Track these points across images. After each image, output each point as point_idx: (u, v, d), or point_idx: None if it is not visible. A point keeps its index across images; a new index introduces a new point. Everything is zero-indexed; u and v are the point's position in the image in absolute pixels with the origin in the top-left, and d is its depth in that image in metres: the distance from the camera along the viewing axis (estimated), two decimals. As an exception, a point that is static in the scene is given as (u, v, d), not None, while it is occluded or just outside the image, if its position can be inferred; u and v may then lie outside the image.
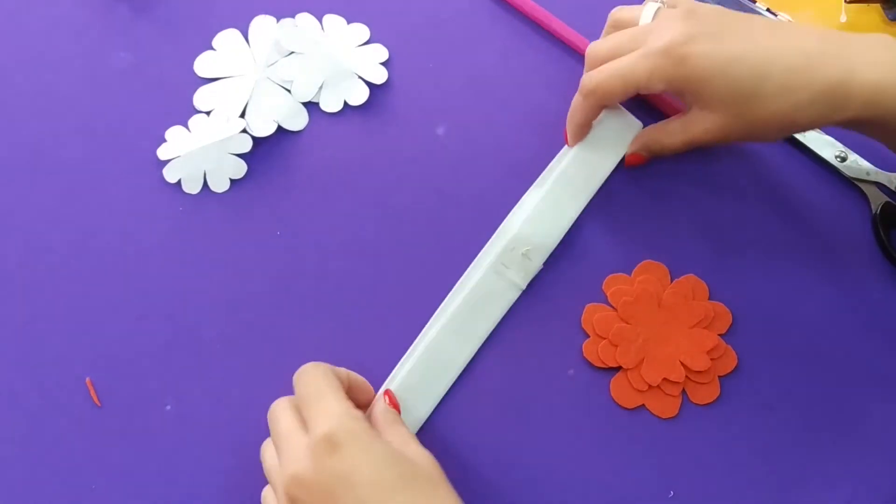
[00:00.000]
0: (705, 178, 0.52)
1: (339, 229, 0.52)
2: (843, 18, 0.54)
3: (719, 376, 0.49)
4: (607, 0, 0.55)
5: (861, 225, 0.51)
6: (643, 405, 0.48)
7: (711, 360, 0.48)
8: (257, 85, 0.54)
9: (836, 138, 0.52)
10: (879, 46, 0.42)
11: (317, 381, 0.43)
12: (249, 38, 0.56)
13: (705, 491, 0.47)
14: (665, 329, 0.49)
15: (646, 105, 0.53)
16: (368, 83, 0.54)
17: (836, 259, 0.51)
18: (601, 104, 0.48)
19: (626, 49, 0.45)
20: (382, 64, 0.55)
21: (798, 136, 0.52)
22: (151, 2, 0.57)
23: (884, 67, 0.41)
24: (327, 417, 0.40)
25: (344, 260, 0.51)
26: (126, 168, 0.53)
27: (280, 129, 0.54)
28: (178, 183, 0.53)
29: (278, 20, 0.56)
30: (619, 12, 0.49)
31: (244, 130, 0.53)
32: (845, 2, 0.54)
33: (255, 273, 0.51)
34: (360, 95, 0.54)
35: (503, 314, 0.49)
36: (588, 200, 0.50)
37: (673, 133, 0.48)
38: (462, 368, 0.48)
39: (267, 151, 0.54)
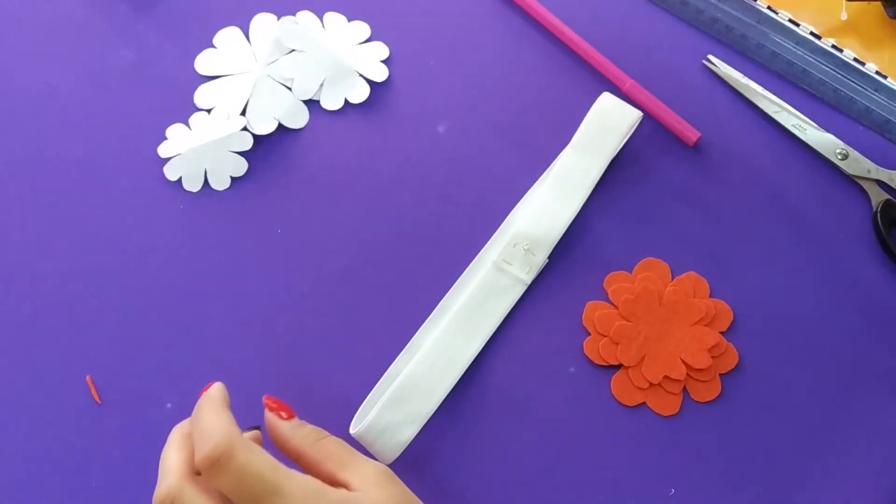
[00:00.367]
0: (706, 176, 0.52)
1: (340, 227, 0.52)
2: (844, 16, 0.54)
3: (720, 374, 0.49)
4: (607, 1, 0.55)
5: (862, 222, 0.51)
6: (644, 403, 0.48)
7: (712, 357, 0.48)
8: (258, 83, 0.54)
9: (837, 136, 0.52)
10: None
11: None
12: (250, 35, 0.56)
13: (706, 488, 0.47)
14: (666, 327, 0.49)
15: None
16: (369, 81, 0.54)
17: (837, 257, 0.51)
18: None
19: None
20: (383, 62, 0.55)
21: (798, 133, 0.52)
22: (152, 0, 0.57)
23: None
24: None
25: (345, 257, 0.51)
26: (127, 166, 0.53)
27: (281, 126, 0.54)
28: (179, 181, 0.53)
29: (279, 18, 0.56)
30: None
31: (245, 128, 0.53)
32: (846, 0, 0.54)
33: (255, 271, 0.51)
34: (360, 93, 0.54)
35: (508, 310, 0.49)
36: (589, 192, 0.50)
37: None
38: (468, 365, 0.48)
39: (268, 149, 0.54)
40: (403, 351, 0.49)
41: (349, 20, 0.56)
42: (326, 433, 0.41)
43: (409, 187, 0.53)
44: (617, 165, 0.52)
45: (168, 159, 0.53)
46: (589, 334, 0.49)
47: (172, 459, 0.39)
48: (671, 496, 0.47)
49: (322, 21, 0.56)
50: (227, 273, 0.51)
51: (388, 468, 0.40)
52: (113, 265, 0.52)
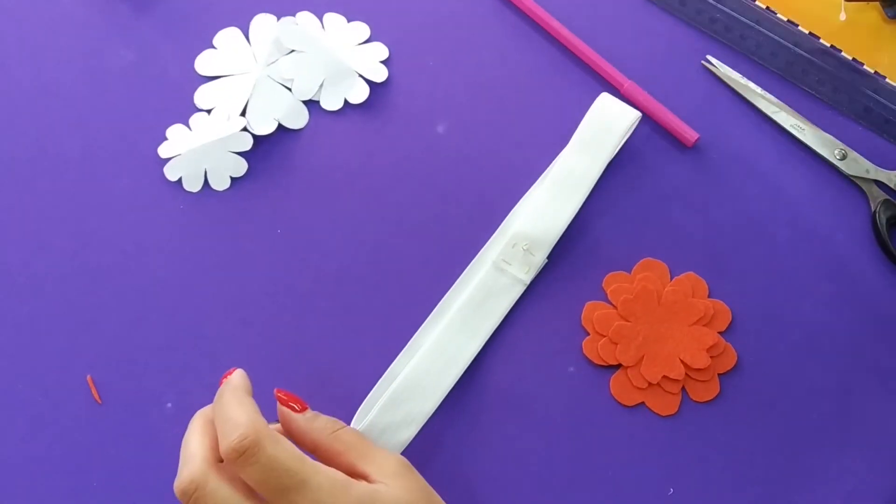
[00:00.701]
0: (705, 176, 0.52)
1: (340, 227, 0.52)
2: (843, 17, 0.55)
3: (719, 374, 0.49)
4: (606, 1, 0.55)
5: (860, 223, 0.51)
6: (643, 403, 0.49)
7: (711, 357, 0.48)
8: (258, 83, 0.54)
9: (836, 136, 0.52)
10: None
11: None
12: (250, 36, 0.56)
13: (705, 488, 0.47)
14: (665, 327, 0.49)
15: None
16: (369, 81, 0.54)
17: (836, 257, 0.51)
18: None
19: None
20: (383, 62, 0.55)
21: (797, 134, 0.52)
22: (152, 0, 0.57)
23: None
24: None
25: (344, 257, 0.51)
26: (127, 166, 0.53)
27: (280, 127, 0.54)
28: (179, 181, 0.53)
29: (279, 18, 0.56)
30: None
31: (245, 129, 0.53)
32: (845, 0, 0.54)
33: (255, 271, 0.51)
34: (360, 94, 0.54)
35: (508, 310, 0.50)
36: (588, 192, 0.50)
37: None
38: (467, 364, 0.48)
39: (267, 150, 0.54)
40: (403, 351, 0.49)
41: (349, 21, 0.56)
42: (341, 423, 0.41)
43: (408, 187, 0.53)
44: (616, 166, 0.52)
45: (168, 160, 0.53)
46: (588, 334, 0.50)
47: (195, 446, 0.38)
48: (670, 495, 0.47)
49: (322, 21, 0.56)
50: (227, 273, 0.51)
51: (405, 459, 0.40)
52: (113, 265, 0.52)
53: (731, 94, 0.53)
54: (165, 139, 0.54)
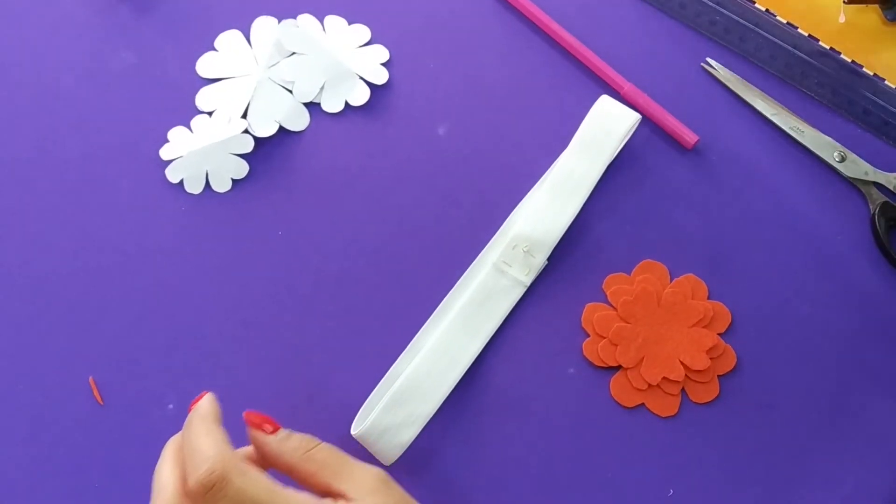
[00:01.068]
0: (704, 178, 0.52)
1: (341, 229, 0.52)
2: (842, 19, 0.55)
3: (718, 375, 0.49)
4: (606, 3, 0.55)
5: (860, 225, 0.51)
6: (643, 404, 0.49)
7: (711, 359, 0.49)
8: (259, 85, 0.54)
9: (835, 138, 0.52)
10: None
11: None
12: (251, 38, 0.56)
13: (705, 489, 0.48)
14: (665, 328, 0.49)
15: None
16: (369, 84, 0.55)
17: (835, 259, 0.51)
18: None
19: None
20: (383, 64, 0.55)
21: (796, 136, 0.52)
22: (153, 2, 0.57)
23: None
24: None
25: (345, 259, 0.52)
26: (128, 168, 0.54)
27: (281, 129, 0.54)
28: (181, 183, 0.53)
29: (280, 21, 0.56)
30: None
31: (246, 131, 0.53)
32: (844, 2, 0.54)
33: (256, 272, 0.51)
34: (361, 96, 0.54)
35: (508, 312, 0.50)
36: (588, 194, 0.50)
37: None
38: (468, 366, 0.49)
39: (268, 152, 0.54)
40: (404, 352, 0.49)
41: (349, 23, 0.56)
42: (316, 441, 0.40)
43: (409, 189, 0.53)
44: (616, 168, 0.52)
45: (170, 161, 0.53)
46: (588, 336, 0.50)
47: (167, 477, 0.38)
48: (670, 496, 0.48)
49: (322, 24, 0.56)
50: (228, 274, 0.52)
51: (384, 472, 0.39)
52: (114, 267, 0.52)
53: (731, 96, 0.54)
54: (167, 141, 0.54)
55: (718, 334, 0.49)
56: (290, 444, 0.40)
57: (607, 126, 0.51)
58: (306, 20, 0.56)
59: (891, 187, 0.51)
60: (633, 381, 0.49)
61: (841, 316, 0.50)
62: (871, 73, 0.53)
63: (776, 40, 0.54)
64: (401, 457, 0.47)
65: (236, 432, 0.49)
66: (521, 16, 0.56)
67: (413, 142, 0.54)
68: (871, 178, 0.52)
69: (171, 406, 0.49)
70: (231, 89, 0.54)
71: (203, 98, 0.55)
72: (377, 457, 0.47)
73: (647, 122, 0.53)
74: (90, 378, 0.50)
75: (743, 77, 0.54)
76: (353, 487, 0.38)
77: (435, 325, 0.50)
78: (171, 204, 0.53)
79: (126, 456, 0.49)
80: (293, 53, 0.55)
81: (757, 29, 0.54)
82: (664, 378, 0.48)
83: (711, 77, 0.54)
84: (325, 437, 0.48)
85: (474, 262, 0.51)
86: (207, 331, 0.51)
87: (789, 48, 0.54)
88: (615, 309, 0.50)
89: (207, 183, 0.53)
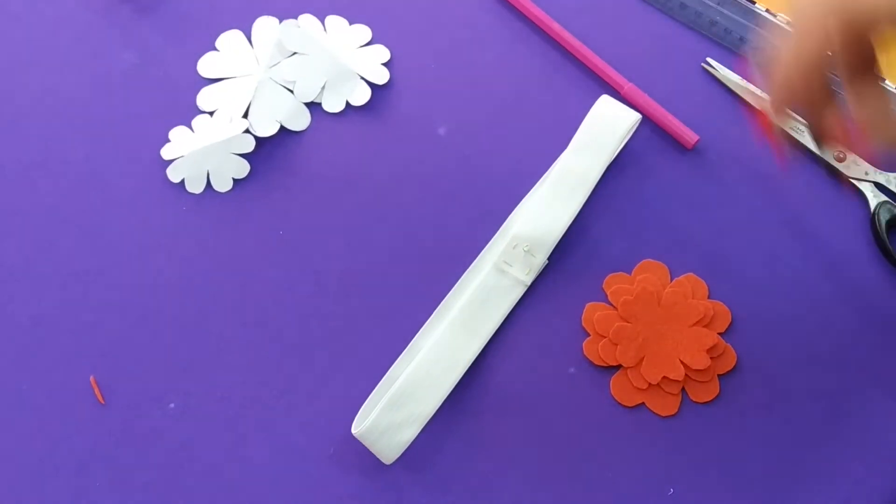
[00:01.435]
0: (704, 178, 0.52)
1: (342, 229, 0.52)
2: (842, 19, 0.55)
3: (719, 375, 0.49)
4: (606, 3, 0.55)
5: (859, 224, 0.51)
6: (643, 403, 0.49)
7: (711, 358, 0.49)
8: (260, 85, 0.54)
9: (834, 138, 0.52)
10: None
11: None
12: (252, 38, 0.56)
13: (705, 489, 0.48)
14: (665, 328, 0.49)
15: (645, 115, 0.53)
16: (370, 84, 0.55)
17: (835, 258, 0.51)
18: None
19: None
20: (384, 64, 0.55)
21: (796, 135, 0.52)
22: (155, 2, 0.57)
23: None
24: None
25: (346, 259, 0.52)
26: (129, 168, 0.54)
27: (283, 129, 0.54)
28: (182, 183, 0.53)
29: (281, 21, 0.56)
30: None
31: (247, 130, 0.53)
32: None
33: (257, 272, 0.52)
34: (362, 96, 0.54)
35: (509, 311, 0.50)
36: (588, 194, 0.50)
37: None
38: (468, 365, 0.49)
39: (270, 151, 0.54)
40: (404, 352, 0.49)
41: (350, 23, 0.56)
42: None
43: (409, 189, 0.53)
44: (616, 168, 0.53)
45: (171, 161, 0.53)
46: (588, 335, 0.50)
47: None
48: (670, 496, 0.48)
49: (323, 24, 0.56)
50: (229, 274, 0.52)
51: None
52: (115, 266, 0.52)
53: (731, 96, 0.54)
54: (168, 141, 0.54)
55: (718, 334, 0.49)
56: None
57: (607, 126, 0.51)
58: (307, 20, 0.56)
59: (890, 187, 0.51)
60: (634, 380, 0.49)
61: (841, 315, 0.50)
62: (871, 74, 0.54)
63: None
64: (401, 456, 0.47)
65: (241, 429, 0.50)
66: (522, 16, 0.56)
67: (414, 142, 0.54)
68: (870, 177, 0.52)
69: (172, 405, 0.50)
70: (232, 89, 0.55)
71: (204, 98, 0.55)
72: (378, 456, 0.47)
73: (648, 121, 0.53)
74: (91, 377, 0.50)
75: (743, 77, 0.54)
76: None
77: (435, 324, 0.50)
78: (172, 204, 0.53)
79: (127, 455, 0.49)
80: (294, 53, 0.55)
81: (757, 29, 0.55)
82: (664, 377, 0.49)
83: (712, 77, 0.54)
84: (325, 437, 0.49)
85: (475, 262, 0.51)
86: (208, 330, 0.51)
87: (789, 48, 0.54)
88: (615, 308, 0.50)
89: (209, 183, 0.53)
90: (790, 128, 0.52)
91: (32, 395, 0.50)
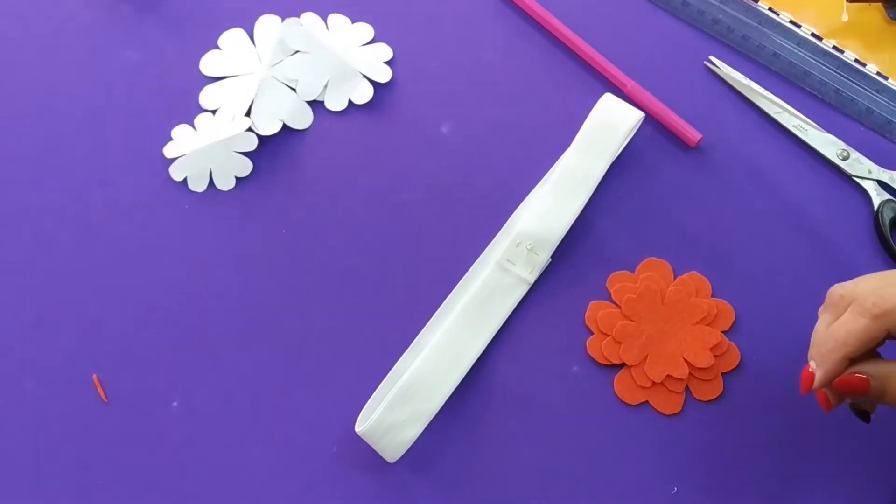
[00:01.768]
0: (707, 176, 0.52)
1: (344, 227, 0.52)
2: (845, 18, 0.55)
3: (722, 373, 0.49)
4: (609, 2, 0.55)
5: (862, 222, 0.51)
6: (647, 402, 0.49)
7: (714, 356, 0.49)
8: (262, 84, 0.54)
9: (837, 137, 0.52)
10: None
11: None
12: (254, 37, 0.56)
13: (708, 487, 0.48)
14: (668, 326, 0.49)
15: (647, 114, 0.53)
16: (373, 82, 0.55)
17: (838, 256, 0.51)
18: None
19: None
20: (387, 63, 0.55)
21: (800, 134, 0.52)
22: (157, 1, 0.57)
23: None
24: None
25: (349, 257, 0.52)
26: (132, 166, 0.54)
27: (285, 127, 0.54)
28: (185, 181, 0.53)
29: (283, 19, 0.56)
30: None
31: (250, 129, 0.53)
32: (847, 1, 0.55)
33: (260, 270, 0.52)
34: (364, 94, 0.54)
35: (512, 310, 0.50)
36: (591, 192, 0.50)
37: None
38: (472, 363, 0.49)
39: (272, 150, 0.54)
40: (408, 350, 0.49)
41: (353, 22, 0.56)
42: None
43: (412, 187, 0.53)
44: (619, 166, 0.53)
45: (173, 160, 0.53)
46: (592, 333, 0.50)
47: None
48: (673, 494, 0.48)
49: (326, 22, 0.56)
50: (232, 272, 0.52)
51: None
52: (118, 265, 0.52)
53: (734, 94, 0.54)
54: (171, 139, 0.54)
55: (722, 332, 0.49)
56: None
57: (610, 124, 0.51)
58: (309, 18, 0.56)
59: (894, 185, 0.51)
60: (637, 378, 0.49)
61: (844, 314, 0.50)
62: (874, 72, 0.54)
63: (779, 39, 0.54)
64: (405, 454, 0.47)
65: (244, 428, 0.49)
66: (525, 14, 0.56)
67: (416, 140, 0.54)
68: (873, 176, 0.52)
69: (175, 404, 0.50)
70: (235, 87, 0.55)
71: (207, 96, 0.55)
72: (381, 454, 0.47)
73: (651, 120, 0.53)
74: (94, 376, 0.50)
75: (746, 75, 0.54)
76: None
77: (439, 322, 0.50)
78: (174, 202, 0.53)
79: (130, 454, 0.49)
80: (296, 52, 0.55)
81: (760, 27, 0.55)
82: (668, 376, 0.49)
83: (714, 75, 0.54)
84: (328, 435, 0.49)
85: (478, 260, 0.51)
86: (211, 329, 0.51)
87: (792, 47, 0.54)
88: (619, 307, 0.50)
89: (211, 181, 0.53)
90: (793, 126, 0.52)
91: (36, 393, 0.50)
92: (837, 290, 0.41)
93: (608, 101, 0.51)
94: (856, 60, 0.54)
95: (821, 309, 0.42)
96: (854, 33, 0.55)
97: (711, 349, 0.49)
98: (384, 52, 0.55)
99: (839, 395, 0.41)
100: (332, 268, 0.51)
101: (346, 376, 0.50)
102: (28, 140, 0.55)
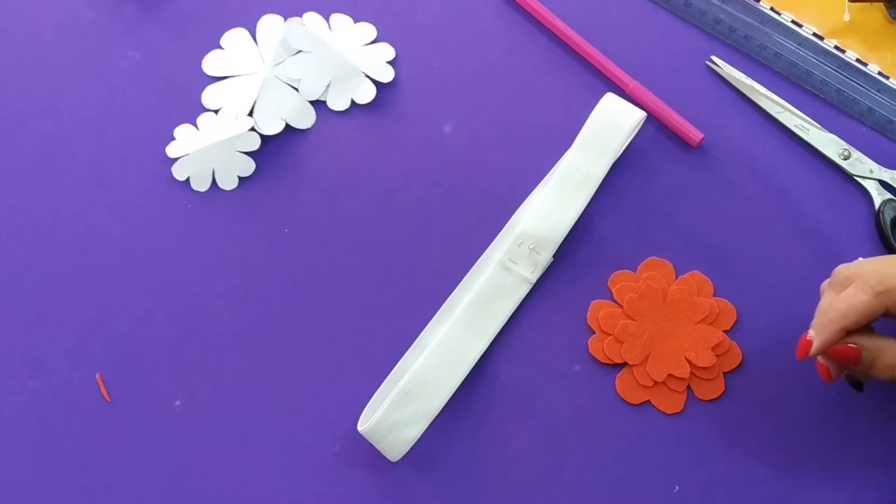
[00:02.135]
0: (709, 176, 0.53)
1: (347, 226, 0.52)
2: (847, 17, 0.55)
3: (724, 372, 0.49)
4: (611, 1, 0.56)
5: (864, 222, 0.51)
6: (648, 401, 0.49)
7: (716, 356, 0.49)
8: (265, 83, 0.54)
9: (839, 136, 0.52)
10: None
11: None
12: (257, 36, 0.56)
13: (710, 486, 0.48)
14: (670, 325, 0.49)
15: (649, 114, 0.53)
16: (375, 82, 0.55)
17: (839, 256, 0.51)
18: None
19: None
20: (389, 63, 0.55)
21: (801, 134, 0.52)
22: (159, 1, 0.57)
23: None
24: None
25: (351, 257, 0.52)
26: (135, 166, 0.54)
27: (288, 127, 0.54)
28: (187, 181, 0.53)
29: (286, 19, 0.56)
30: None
31: (252, 129, 0.53)
32: (848, 1, 0.55)
33: (263, 270, 0.52)
34: (367, 94, 0.55)
35: (514, 309, 0.50)
36: (593, 191, 0.51)
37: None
38: (474, 363, 0.49)
39: (275, 150, 0.54)
40: (410, 349, 0.49)
41: (355, 21, 0.56)
42: None
43: (414, 187, 0.53)
44: (621, 165, 0.53)
45: (176, 159, 0.53)
46: (594, 333, 0.50)
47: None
48: (675, 493, 0.48)
49: (328, 22, 0.56)
50: (234, 272, 0.52)
51: None
52: (121, 264, 0.52)
53: (736, 94, 0.54)
54: (173, 139, 0.54)
55: (724, 331, 0.49)
56: None
57: (612, 124, 0.51)
58: (312, 18, 0.56)
59: (895, 185, 0.51)
60: (639, 378, 0.49)
61: (846, 313, 0.50)
62: (876, 71, 0.54)
63: (781, 39, 0.54)
64: (407, 453, 0.47)
65: (246, 427, 0.50)
66: (527, 14, 0.56)
67: (419, 140, 0.54)
68: (875, 175, 0.52)
69: (177, 403, 0.50)
70: (237, 87, 0.55)
71: (209, 96, 0.55)
72: (384, 453, 0.47)
73: (653, 119, 0.53)
74: (97, 375, 0.50)
75: (748, 75, 0.54)
76: None
77: (441, 321, 0.50)
78: (177, 202, 0.53)
79: (133, 453, 0.49)
80: (299, 51, 0.55)
81: (762, 27, 0.55)
82: (670, 375, 0.49)
83: (716, 75, 0.54)
84: (331, 434, 0.49)
85: (480, 260, 0.51)
86: (214, 328, 0.51)
87: (794, 46, 0.54)
88: (621, 306, 0.50)
89: (214, 181, 0.53)
90: (794, 126, 0.52)
91: (38, 392, 0.50)
92: (843, 269, 0.43)
93: (610, 100, 0.52)
94: (857, 60, 0.54)
95: (824, 285, 0.45)
96: (855, 33, 0.55)
97: (713, 348, 0.49)
98: (387, 51, 0.56)
99: (839, 367, 0.44)
100: (335, 267, 0.52)
101: (348, 375, 0.50)
102: (30, 139, 0.55)
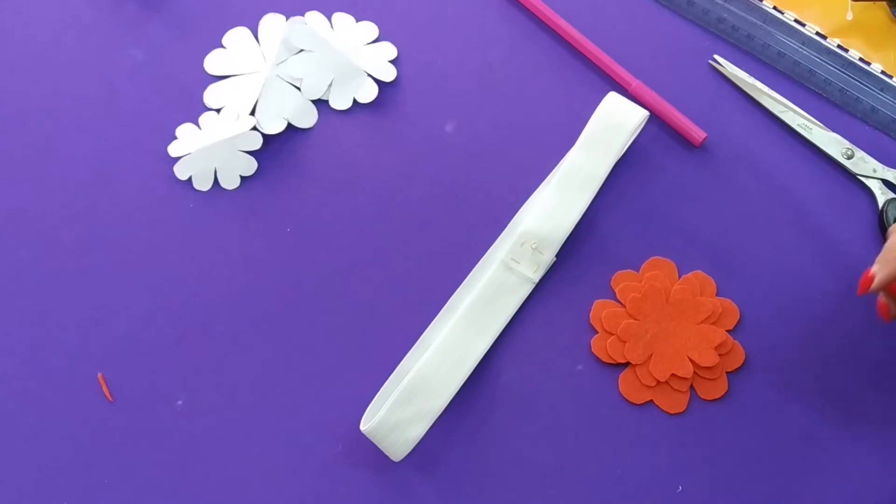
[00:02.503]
0: (712, 175, 0.52)
1: (349, 226, 0.52)
2: (850, 16, 0.55)
3: (727, 372, 0.49)
4: (614, 0, 0.56)
5: (867, 221, 0.51)
6: (651, 401, 0.49)
7: (719, 355, 0.49)
8: (267, 83, 0.54)
9: (842, 136, 0.52)
10: None
11: None
12: (259, 36, 0.56)
13: (713, 486, 0.48)
14: (673, 325, 0.49)
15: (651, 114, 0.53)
16: (377, 81, 0.55)
17: (843, 255, 0.51)
18: None
19: None
20: (391, 62, 0.55)
21: (804, 133, 0.52)
22: (161, 0, 0.57)
23: None
24: None
25: (353, 256, 0.52)
26: (137, 165, 0.54)
27: (290, 126, 0.54)
28: (189, 180, 0.53)
29: (287, 18, 0.56)
30: None
31: (254, 128, 0.53)
32: (851, 0, 0.55)
33: (265, 269, 0.52)
34: (369, 93, 0.54)
35: (517, 309, 0.50)
36: (596, 191, 0.50)
37: None
38: (477, 363, 0.49)
39: (277, 149, 0.54)
40: (413, 349, 0.49)
41: (357, 20, 0.56)
42: None
43: (417, 186, 0.53)
44: (624, 165, 0.53)
45: (178, 158, 0.53)
46: (596, 332, 0.50)
47: None
48: (678, 493, 0.48)
49: (330, 21, 0.56)
50: (236, 271, 0.52)
51: None
52: (123, 263, 0.52)
53: (739, 93, 0.54)
54: (175, 138, 0.54)
55: (727, 331, 0.49)
56: None
57: (615, 123, 0.51)
58: (314, 17, 0.56)
59: (898, 184, 0.52)
60: (642, 377, 0.49)
61: (848, 313, 0.50)
62: (879, 70, 0.54)
63: (784, 38, 0.54)
64: (410, 453, 0.47)
65: (248, 426, 0.50)
66: (529, 13, 0.56)
67: (421, 139, 0.54)
68: (878, 174, 0.52)
69: (179, 402, 0.50)
70: (239, 86, 0.55)
71: (211, 95, 0.55)
72: (387, 453, 0.47)
73: (655, 118, 0.53)
74: (99, 375, 0.50)
75: (750, 74, 0.54)
76: None
77: (443, 321, 0.50)
78: (179, 201, 0.53)
79: (135, 452, 0.49)
80: (301, 51, 0.55)
81: (765, 26, 0.55)
82: (673, 375, 0.49)
83: (719, 74, 0.54)
84: (334, 433, 0.49)
85: (482, 259, 0.51)
86: (216, 328, 0.51)
87: (797, 46, 0.54)
88: (623, 306, 0.50)
89: (216, 180, 0.53)
90: (798, 125, 0.52)
91: (40, 392, 0.50)
92: None
93: (613, 99, 0.51)
94: (860, 59, 0.54)
95: (894, 226, 0.46)
96: (859, 32, 0.55)
97: (716, 348, 0.49)
98: (389, 50, 0.55)
99: None
100: (337, 266, 0.52)
101: (350, 375, 0.50)
102: (32, 138, 0.55)
